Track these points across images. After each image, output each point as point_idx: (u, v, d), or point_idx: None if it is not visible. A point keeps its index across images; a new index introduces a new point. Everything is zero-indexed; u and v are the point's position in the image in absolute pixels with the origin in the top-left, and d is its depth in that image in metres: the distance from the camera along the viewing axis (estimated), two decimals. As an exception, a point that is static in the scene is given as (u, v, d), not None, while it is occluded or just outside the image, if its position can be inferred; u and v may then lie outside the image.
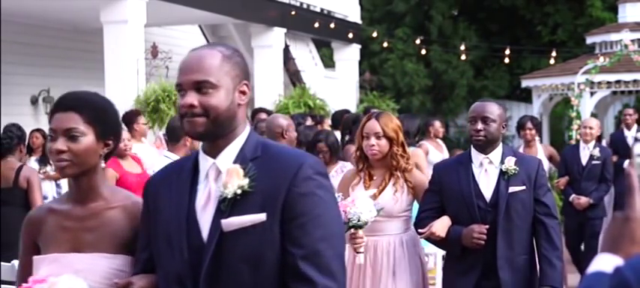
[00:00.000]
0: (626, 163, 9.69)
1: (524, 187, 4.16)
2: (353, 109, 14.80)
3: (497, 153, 4.25)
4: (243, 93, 2.32)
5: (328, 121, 10.29)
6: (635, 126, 10.66)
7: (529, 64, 20.03)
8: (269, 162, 2.27)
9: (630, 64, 13.84)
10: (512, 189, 4.15)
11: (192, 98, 2.23)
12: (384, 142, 4.42)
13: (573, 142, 11.80)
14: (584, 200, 8.30)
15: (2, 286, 5.42)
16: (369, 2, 20.82)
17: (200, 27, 14.67)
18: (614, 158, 9.36)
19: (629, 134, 10.62)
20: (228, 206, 2.23)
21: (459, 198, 4.20)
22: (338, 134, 7.78)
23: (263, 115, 8.65)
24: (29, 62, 11.97)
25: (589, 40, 15.59)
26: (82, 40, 12.60)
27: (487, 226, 4.14)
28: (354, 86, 16.66)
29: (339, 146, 6.88)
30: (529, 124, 8.55)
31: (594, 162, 8.30)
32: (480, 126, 4.19)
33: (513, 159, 4.21)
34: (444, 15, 20.91)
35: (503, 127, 4.25)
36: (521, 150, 8.24)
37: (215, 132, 2.27)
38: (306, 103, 12.64)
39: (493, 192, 4.18)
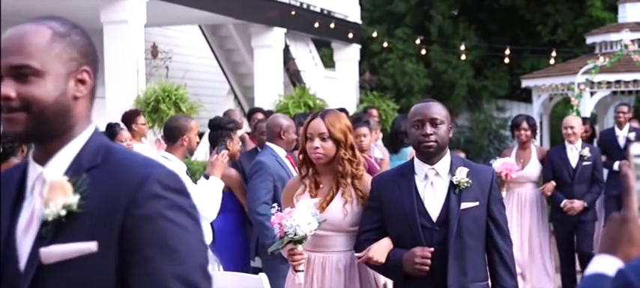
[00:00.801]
0: (616, 164, 9.18)
1: (477, 203, 3.60)
2: (353, 110, 14.80)
3: (444, 162, 3.66)
4: (82, 82, 1.85)
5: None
6: (628, 125, 9.86)
7: (529, 64, 20.02)
8: (109, 173, 1.77)
9: (630, 64, 13.84)
10: (464, 205, 3.57)
11: (10, 88, 1.76)
12: (329, 144, 3.85)
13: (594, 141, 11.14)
14: (578, 204, 7.83)
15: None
16: (369, 2, 20.82)
17: (200, 27, 14.67)
18: (603, 158, 8.91)
19: (621, 133, 9.81)
20: (50, 231, 1.74)
21: (401, 216, 3.61)
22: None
23: (260, 116, 8.66)
24: (29, 62, 11.95)
25: (589, 40, 15.59)
26: (82, 40, 12.58)
27: (432, 249, 3.57)
28: (354, 86, 16.66)
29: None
30: (524, 124, 7.96)
31: (585, 163, 7.84)
32: (428, 129, 3.59)
33: (465, 169, 3.61)
34: (444, 15, 20.91)
35: (450, 130, 3.70)
36: (514, 152, 8.06)
37: (41, 132, 1.79)
38: (306, 103, 12.64)
39: (441, 208, 3.59)
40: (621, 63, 13.88)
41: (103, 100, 10.25)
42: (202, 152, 10.88)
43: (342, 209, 3.82)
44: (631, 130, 9.76)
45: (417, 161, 3.68)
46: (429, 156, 3.62)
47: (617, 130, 9.88)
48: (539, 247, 8.10)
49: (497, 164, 7.29)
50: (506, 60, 17.28)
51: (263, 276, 4.33)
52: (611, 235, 1.57)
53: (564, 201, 7.85)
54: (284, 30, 13.64)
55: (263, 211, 5.44)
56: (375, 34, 18.37)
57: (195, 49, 15.08)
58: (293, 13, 13.93)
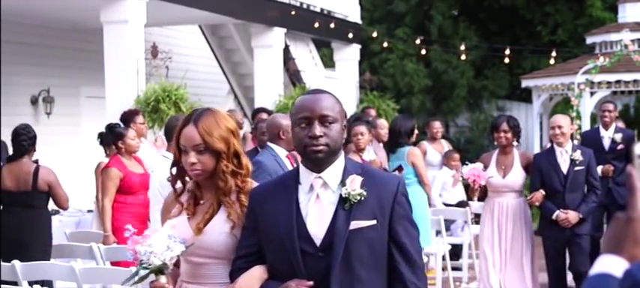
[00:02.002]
0: (599, 169, 8.03)
1: (373, 222, 2.79)
2: (353, 109, 14.81)
3: (335, 170, 2.84)
4: None
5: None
6: (614, 125, 8.98)
7: (529, 64, 20.02)
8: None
9: (630, 64, 13.85)
10: (355, 224, 2.77)
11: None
12: (206, 157, 3.04)
13: (575, 142, 10.04)
14: (573, 215, 6.92)
15: (2, 286, 5.42)
16: (369, 2, 20.82)
17: (200, 27, 14.66)
18: None
19: (606, 134, 8.91)
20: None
21: (277, 239, 2.82)
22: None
23: (264, 115, 8.66)
24: (29, 62, 11.97)
25: (589, 40, 15.60)
26: (82, 40, 12.59)
27: (311, 283, 2.78)
28: (354, 86, 16.66)
29: (342, 146, 6.88)
30: (504, 126, 6.99)
31: (577, 168, 6.93)
32: (317, 129, 2.79)
33: (359, 179, 2.80)
34: (444, 15, 20.91)
35: (344, 130, 2.91)
36: (494, 157, 7.08)
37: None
38: (306, 103, 12.63)
39: (327, 229, 2.78)
40: (621, 63, 13.89)
41: (103, 100, 10.25)
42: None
43: (222, 232, 3.04)
44: (617, 130, 8.94)
45: (302, 168, 2.87)
46: (317, 163, 2.82)
47: (602, 130, 8.98)
48: (521, 266, 7.03)
49: (466, 170, 6.78)
50: (507, 60, 17.28)
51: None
52: (616, 234, 1.57)
53: (557, 212, 6.94)
54: (284, 30, 13.64)
55: None
56: (375, 34, 18.37)
57: (195, 49, 15.08)
58: (293, 13, 13.92)
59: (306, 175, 2.86)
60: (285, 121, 5.99)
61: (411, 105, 19.23)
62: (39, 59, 12.12)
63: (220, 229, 3.06)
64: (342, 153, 2.90)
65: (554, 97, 15.93)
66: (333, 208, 2.80)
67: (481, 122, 20.02)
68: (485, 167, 6.95)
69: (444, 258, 8.32)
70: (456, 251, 9.20)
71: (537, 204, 7.03)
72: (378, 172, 3.06)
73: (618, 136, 8.80)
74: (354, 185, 2.79)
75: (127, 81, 10.21)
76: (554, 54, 16.58)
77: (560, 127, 6.95)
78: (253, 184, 3.11)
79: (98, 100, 11.19)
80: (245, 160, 3.14)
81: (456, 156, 9.90)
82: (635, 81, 13.93)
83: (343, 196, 2.79)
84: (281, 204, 2.84)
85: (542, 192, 6.95)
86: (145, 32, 10.67)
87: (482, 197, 7.24)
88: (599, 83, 13.93)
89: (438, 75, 20.00)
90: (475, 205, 8.59)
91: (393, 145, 8.48)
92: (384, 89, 18.38)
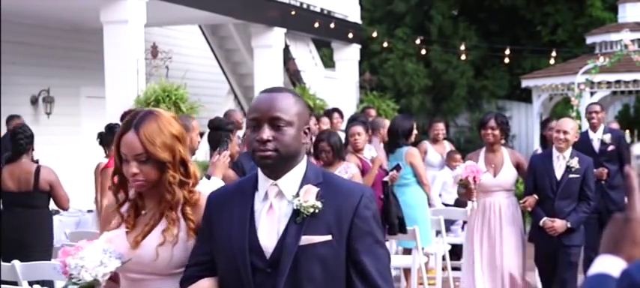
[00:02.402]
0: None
1: (328, 237, 2.48)
2: (353, 109, 14.81)
3: (292, 177, 2.54)
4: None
5: (326, 120, 10.30)
6: (602, 126, 8.59)
7: (529, 64, 20.04)
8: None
9: (630, 64, 13.86)
10: (306, 240, 2.47)
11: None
12: (149, 167, 2.77)
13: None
14: (559, 224, 6.55)
15: (2, 286, 5.42)
16: (369, 2, 20.83)
17: (200, 27, 14.67)
18: None
19: (595, 136, 8.52)
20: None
21: (228, 250, 2.55)
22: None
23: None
24: (29, 62, 11.97)
25: (589, 40, 15.60)
26: (82, 40, 12.60)
27: None
28: (354, 86, 16.66)
29: (342, 146, 6.89)
30: (492, 122, 6.64)
31: (572, 175, 6.55)
32: (266, 133, 2.50)
33: (315, 189, 2.51)
34: (444, 15, 20.93)
35: (306, 133, 2.60)
36: (482, 155, 6.76)
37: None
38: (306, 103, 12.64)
39: (277, 243, 2.51)
40: (621, 63, 13.90)
41: (103, 100, 10.25)
42: (202, 152, 10.88)
43: (160, 246, 2.77)
44: (606, 131, 8.59)
45: (260, 173, 2.58)
46: (268, 169, 2.53)
47: (590, 133, 8.58)
48: (512, 269, 6.68)
49: (460, 170, 6.52)
50: (506, 60, 17.29)
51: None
52: (614, 235, 1.57)
53: (544, 219, 6.59)
54: (284, 30, 13.64)
55: None
56: (375, 34, 18.38)
57: (195, 49, 15.08)
58: (293, 13, 13.93)
59: (262, 182, 2.57)
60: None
61: (411, 105, 19.24)
62: (39, 59, 12.13)
63: (156, 242, 2.77)
64: (305, 159, 2.58)
65: (554, 97, 15.94)
66: (286, 220, 2.51)
67: (481, 122, 20.03)
68: None
69: (444, 258, 8.32)
70: (456, 251, 9.19)
71: (529, 209, 6.72)
72: (342, 183, 2.66)
73: (607, 137, 8.45)
74: (308, 196, 2.49)
75: (127, 81, 10.22)
76: (554, 54, 16.60)
77: (565, 132, 6.57)
78: (203, 196, 2.81)
79: (98, 100, 11.19)
80: (193, 168, 2.85)
81: (458, 156, 9.90)
82: (635, 81, 13.93)
83: (296, 207, 2.49)
84: (236, 212, 2.57)
85: (535, 197, 6.62)
86: (145, 32, 10.67)
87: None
88: (599, 83, 13.94)
89: (437, 75, 20.01)
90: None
91: (391, 145, 8.49)
92: (384, 89, 18.39)
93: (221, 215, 2.61)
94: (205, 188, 5.26)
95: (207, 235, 2.65)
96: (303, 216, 2.48)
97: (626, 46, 13.96)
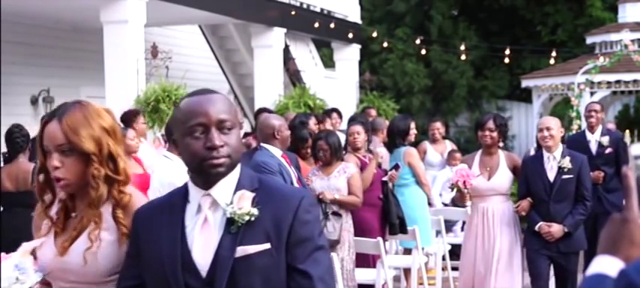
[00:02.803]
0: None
1: (266, 246, 2.27)
2: (353, 109, 14.82)
3: (226, 185, 2.32)
4: None
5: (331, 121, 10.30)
6: (600, 127, 8.14)
7: (529, 64, 20.05)
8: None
9: (630, 64, 13.87)
10: (242, 250, 2.26)
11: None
12: (72, 160, 2.51)
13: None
14: (556, 228, 6.18)
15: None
16: (369, 2, 20.83)
17: (200, 27, 14.68)
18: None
19: (593, 138, 8.08)
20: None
21: (159, 272, 2.32)
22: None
23: (264, 116, 8.66)
24: (29, 62, 11.98)
25: (589, 40, 15.62)
26: (82, 40, 12.60)
27: None
28: (354, 86, 16.67)
29: (340, 146, 6.89)
30: (490, 124, 6.31)
31: (565, 176, 6.18)
32: (217, 138, 2.29)
33: (250, 195, 2.29)
34: (444, 15, 20.94)
35: (245, 137, 2.52)
36: (477, 158, 6.41)
37: None
38: (306, 103, 12.65)
39: (213, 257, 2.28)
40: (621, 63, 13.91)
41: (103, 101, 10.25)
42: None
43: (87, 251, 2.50)
44: (604, 132, 8.13)
45: (190, 185, 2.36)
46: (219, 177, 2.30)
47: (588, 133, 8.13)
48: (510, 276, 6.34)
49: (451, 174, 6.31)
50: (506, 60, 17.30)
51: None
52: (612, 235, 1.57)
53: (540, 223, 6.22)
54: (284, 30, 13.65)
55: None
56: (375, 34, 18.38)
57: (195, 49, 15.09)
58: (293, 13, 13.93)
59: (194, 193, 2.34)
60: (277, 121, 6.00)
61: (411, 105, 19.25)
62: (39, 59, 12.13)
63: (83, 249, 2.51)
64: (239, 164, 2.37)
65: (554, 97, 15.95)
66: (221, 231, 2.29)
67: (481, 122, 20.05)
68: None
69: (444, 258, 8.31)
70: (456, 251, 9.19)
71: (524, 213, 6.32)
72: (280, 187, 2.46)
73: (605, 140, 8.02)
74: (242, 203, 2.28)
75: (127, 81, 10.22)
76: (554, 54, 16.60)
77: (549, 128, 6.22)
78: (135, 198, 2.57)
79: (98, 100, 11.13)
80: (123, 166, 2.57)
81: (458, 156, 9.89)
82: (635, 81, 13.94)
83: (229, 216, 2.27)
84: (165, 229, 2.33)
85: (529, 201, 6.29)
86: (145, 32, 10.68)
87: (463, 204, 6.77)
88: (599, 83, 13.95)
89: (437, 75, 20.02)
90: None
91: (390, 145, 8.50)
92: (384, 89, 18.40)
93: (149, 233, 2.36)
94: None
95: (135, 255, 2.40)
96: (238, 225, 2.26)
97: (626, 46, 13.97)
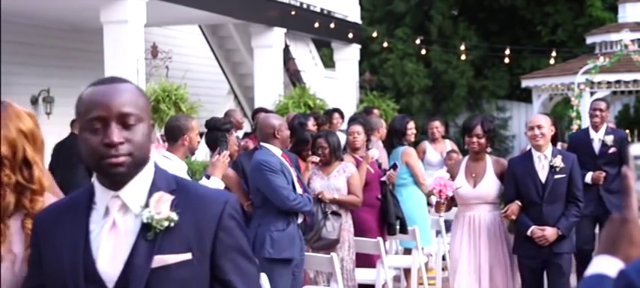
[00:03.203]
0: (588, 176, 7.39)
1: (188, 256, 2.03)
2: (353, 109, 14.81)
3: (139, 186, 2.08)
4: None
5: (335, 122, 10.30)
6: (605, 126, 7.86)
7: (529, 64, 20.05)
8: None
9: (630, 64, 13.88)
10: (160, 260, 2.02)
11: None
12: None
13: (559, 146, 7.73)
14: (550, 232, 5.81)
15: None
16: (369, 2, 20.83)
17: (200, 27, 14.68)
18: None
19: (597, 136, 7.79)
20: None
21: (60, 282, 2.07)
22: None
23: (263, 115, 8.66)
24: (29, 62, 11.98)
25: (589, 40, 15.62)
26: (82, 40, 12.61)
27: None
28: (354, 86, 16.67)
29: (340, 146, 6.89)
30: (478, 130, 5.90)
31: (557, 176, 5.84)
32: (116, 134, 2.01)
33: (169, 197, 2.05)
34: (444, 15, 20.93)
35: (152, 130, 2.20)
36: (463, 165, 6.05)
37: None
38: (306, 103, 12.65)
39: (124, 267, 2.03)
40: (621, 63, 13.92)
41: (103, 100, 10.25)
42: (202, 152, 10.89)
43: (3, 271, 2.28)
44: (608, 131, 7.86)
45: (97, 185, 2.10)
46: (121, 178, 2.04)
47: (591, 132, 7.85)
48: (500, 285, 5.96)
49: (430, 181, 6.01)
50: (506, 60, 17.30)
51: (263, 276, 4.32)
52: (611, 235, 1.57)
53: (532, 227, 5.83)
54: (284, 30, 13.65)
55: (293, 196, 5.65)
56: (375, 34, 18.39)
57: (195, 49, 15.09)
58: (293, 13, 13.93)
59: (101, 194, 2.07)
60: (277, 120, 6.01)
61: (411, 105, 19.24)
62: (39, 59, 12.14)
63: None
64: (152, 162, 2.13)
65: (554, 97, 15.95)
66: (133, 238, 2.03)
67: (481, 122, 20.04)
68: (453, 177, 5.97)
69: (444, 258, 8.31)
70: (455, 251, 9.20)
71: (513, 217, 5.87)
72: (200, 189, 2.18)
73: (609, 139, 7.75)
74: (160, 206, 2.03)
75: (127, 81, 10.23)
76: (554, 54, 16.61)
77: (539, 126, 5.84)
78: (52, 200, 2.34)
79: (98, 100, 11.19)
80: (38, 174, 2.33)
81: (454, 156, 9.88)
82: (635, 81, 13.94)
83: (145, 221, 2.02)
84: (68, 234, 2.07)
85: (518, 203, 5.84)
86: (145, 32, 10.68)
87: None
88: (599, 83, 13.96)
89: (437, 75, 20.02)
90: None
91: (389, 145, 8.50)
92: (384, 89, 18.39)
93: (51, 239, 2.11)
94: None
95: (37, 263, 2.15)
96: (156, 231, 2.01)
97: (626, 46, 13.98)
